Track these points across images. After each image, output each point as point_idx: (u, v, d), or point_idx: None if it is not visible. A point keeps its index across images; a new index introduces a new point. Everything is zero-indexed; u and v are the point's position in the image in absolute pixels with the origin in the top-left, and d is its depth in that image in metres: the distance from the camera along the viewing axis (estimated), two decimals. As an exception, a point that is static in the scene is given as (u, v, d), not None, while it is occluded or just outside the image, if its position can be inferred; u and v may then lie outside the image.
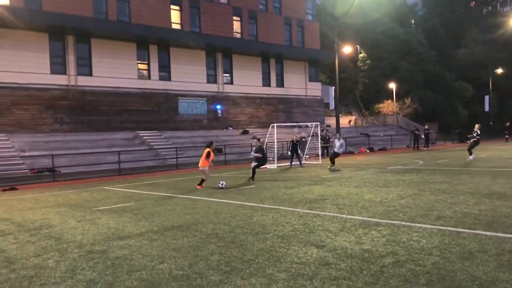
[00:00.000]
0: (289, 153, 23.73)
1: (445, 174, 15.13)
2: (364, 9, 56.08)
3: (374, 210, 8.87)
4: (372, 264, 5.24)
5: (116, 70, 30.68)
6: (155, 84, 33.03)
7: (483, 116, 55.68)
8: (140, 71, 32.77)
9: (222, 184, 14.11)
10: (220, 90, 36.95)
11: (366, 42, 56.12)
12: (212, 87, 36.47)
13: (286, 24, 41.99)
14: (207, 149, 14.29)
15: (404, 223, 7.51)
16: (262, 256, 5.83)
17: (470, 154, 20.92)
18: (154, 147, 28.46)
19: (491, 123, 53.10)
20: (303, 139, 25.82)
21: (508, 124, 50.17)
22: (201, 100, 35.62)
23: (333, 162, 19.92)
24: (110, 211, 10.44)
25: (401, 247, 5.94)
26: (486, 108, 55.42)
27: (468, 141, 21.84)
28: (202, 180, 14.39)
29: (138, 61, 32.47)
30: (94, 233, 7.90)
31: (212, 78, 36.73)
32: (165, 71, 33.96)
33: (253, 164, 16.85)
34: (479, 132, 20.91)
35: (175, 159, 25.69)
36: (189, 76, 34.68)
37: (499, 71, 56.74)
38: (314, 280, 4.80)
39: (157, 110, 32.91)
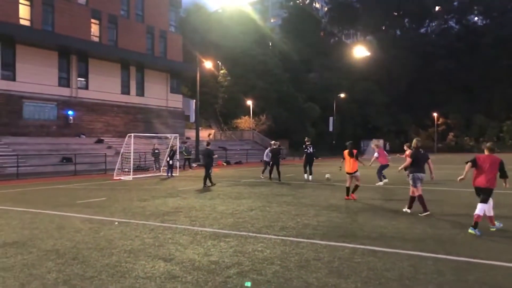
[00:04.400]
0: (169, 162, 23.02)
1: (291, 187, 16.31)
2: (226, 27, 58.07)
3: (225, 221, 9.14)
4: (218, 276, 5.37)
5: None
6: (-4, 83, 29.51)
7: (328, 135, 61.66)
8: (-23, 68, 29.03)
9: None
10: (74, 95, 34.49)
11: (227, 59, 58.05)
12: (64, 91, 33.87)
13: (148, 33, 41.20)
14: (354, 150, 12.83)
15: (251, 234, 7.87)
16: (106, 272, 5.55)
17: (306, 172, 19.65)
18: (-10, 154, 25.22)
19: (334, 142, 58.95)
20: (156, 151, 26.07)
21: (347, 143, 56.03)
22: (51, 104, 32.76)
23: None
24: None
25: (246, 258, 6.21)
26: (331, 128, 61.47)
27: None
28: (356, 187, 12.68)
29: (-25, 57, 28.75)
30: None
31: (64, 82, 34.12)
32: (9, 70, 30.51)
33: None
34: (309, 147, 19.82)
35: (16, 168, 23.07)
36: (37, 77, 31.67)
37: (342, 95, 63.65)
38: (158, 295, 4.75)
39: (-4, 113, 29.35)
